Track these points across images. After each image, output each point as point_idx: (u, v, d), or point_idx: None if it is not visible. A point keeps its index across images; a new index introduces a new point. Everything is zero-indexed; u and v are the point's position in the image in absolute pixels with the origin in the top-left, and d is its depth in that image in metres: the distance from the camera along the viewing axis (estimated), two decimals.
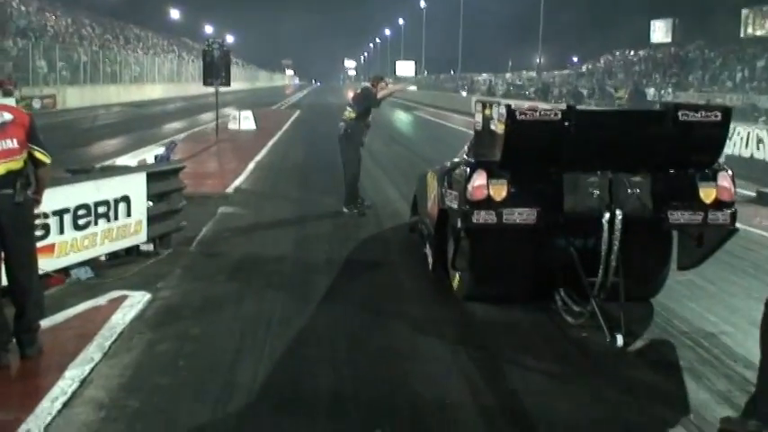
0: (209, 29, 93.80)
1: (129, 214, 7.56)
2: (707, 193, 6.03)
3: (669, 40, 68.32)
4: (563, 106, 6.04)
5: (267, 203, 11.85)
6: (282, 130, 27.58)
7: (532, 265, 6.49)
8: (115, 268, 7.44)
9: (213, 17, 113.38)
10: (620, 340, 5.71)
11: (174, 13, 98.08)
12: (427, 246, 8.03)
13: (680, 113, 5.82)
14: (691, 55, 61.62)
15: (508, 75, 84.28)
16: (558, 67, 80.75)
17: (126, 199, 7.51)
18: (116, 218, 7.40)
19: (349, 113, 10.84)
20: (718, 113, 5.88)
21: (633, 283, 6.16)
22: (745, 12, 57.28)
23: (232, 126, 26.15)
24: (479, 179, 5.93)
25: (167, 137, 22.90)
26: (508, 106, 5.83)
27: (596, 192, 5.88)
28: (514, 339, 5.95)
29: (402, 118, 41.60)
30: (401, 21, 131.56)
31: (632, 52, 72.89)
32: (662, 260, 6.70)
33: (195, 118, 32.21)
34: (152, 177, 7.95)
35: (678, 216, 6.00)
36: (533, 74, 74.71)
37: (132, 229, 7.65)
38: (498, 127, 5.88)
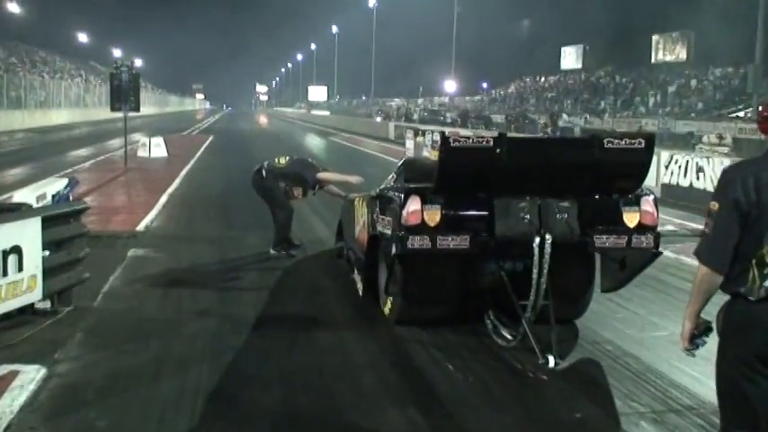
0: (117, 52, 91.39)
1: (20, 268, 6.35)
2: (630, 218, 6.23)
3: (579, 66, 69.61)
4: (495, 134, 6.19)
5: (183, 244, 10.63)
6: (195, 157, 26.36)
7: (463, 288, 6.65)
8: (4, 332, 6.24)
9: (122, 41, 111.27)
10: (551, 361, 5.84)
11: (82, 37, 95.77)
12: (355, 271, 8.13)
13: (605, 140, 5.99)
14: (602, 80, 62.84)
15: (420, 100, 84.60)
16: (468, 93, 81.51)
17: (17, 250, 6.30)
18: (4, 273, 6.20)
19: (280, 161, 10.06)
20: (642, 140, 6.07)
21: (561, 305, 6.34)
22: (655, 37, 58.74)
23: (142, 153, 24.91)
24: (414, 205, 6.01)
25: (73, 165, 21.62)
26: (443, 133, 5.99)
27: (527, 217, 6.00)
28: (447, 362, 6.01)
29: (317, 143, 40.80)
30: (313, 46, 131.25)
31: (543, 78, 74.03)
32: (586, 282, 6.91)
33: (103, 144, 30.68)
34: (49, 222, 6.76)
35: (604, 240, 6.18)
36: (446, 99, 75.14)
37: (25, 286, 6.44)
38: (432, 154, 5.63)
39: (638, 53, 59.57)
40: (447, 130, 7.04)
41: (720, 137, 25.42)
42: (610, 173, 6.18)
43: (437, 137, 6.06)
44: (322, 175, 9.83)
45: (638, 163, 6.24)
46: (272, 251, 9.77)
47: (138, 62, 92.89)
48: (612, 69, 63.16)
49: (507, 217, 6.02)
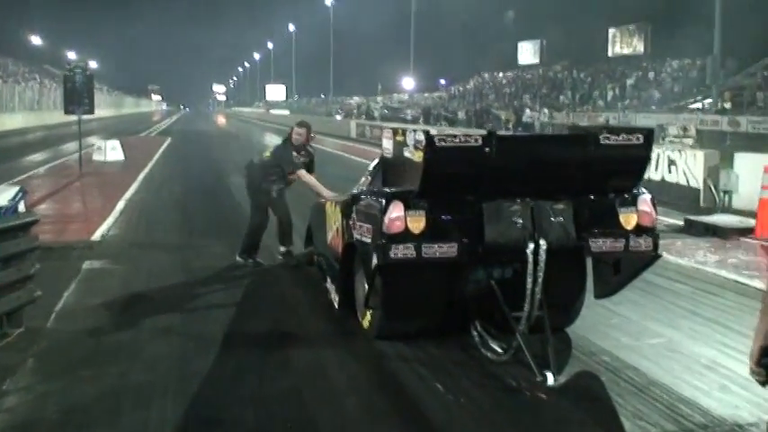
0: (72, 55, 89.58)
1: None
2: (627, 219, 5.88)
3: (537, 61, 69.55)
4: (483, 132, 5.82)
5: (142, 254, 9.99)
6: (153, 160, 25.61)
7: (448, 299, 6.23)
8: None
9: (76, 43, 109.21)
10: (550, 379, 5.34)
11: (36, 39, 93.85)
12: (328, 280, 7.66)
13: (601, 137, 5.67)
14: (559, 75, 62.82)
15: (379, 98, 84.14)
16: (427, 90, 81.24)
17: None
18: None
19: (266, 153, 9.50)
20: (640, 136, 5.74)
21: (553, 313, 5.97)
22: (612, 30, 58.78)
23: (97, 157, 24.10)
24: (396, 211, 5.58)
25: (26, 170, 20.80)
26: (427, 132, 5.51)
27: (519, 221, 5.61)
28: (434, 381, 5.50)
29: (276, 142, 39.97)
30: (270, 45, 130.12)
31: (501, 74, 73.90)
32: (579, 288, 6.54)
33: (58, 149, 29.72)
34: None
35: (600, 244, 5.82)
36: (405, 96, 74.78)
37: None
38: (415, 155, 5.60)
39: (596, 47, 59.60)
40: (430, 129, 6.66)
41: (685, 129, 25.26)
42: (606, 171, 5.85)
43: (420, 136, 5.68)
44: (301, 173, 9.07)
45: (636, 160, 5.93)
46: (238, 258, 9.22)
47: (93, 64, 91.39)
48: (570, 63, 63.14)
49: (498, 222, 5.62)
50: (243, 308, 7.41)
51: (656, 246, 5.96)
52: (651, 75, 50.98)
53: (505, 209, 5.62)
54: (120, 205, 14.22)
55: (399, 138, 5.90)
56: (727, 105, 37.65)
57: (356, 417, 4.97)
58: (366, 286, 6.23)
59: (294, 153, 9.10)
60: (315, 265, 8.67)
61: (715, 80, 37.06)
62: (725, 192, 14.01)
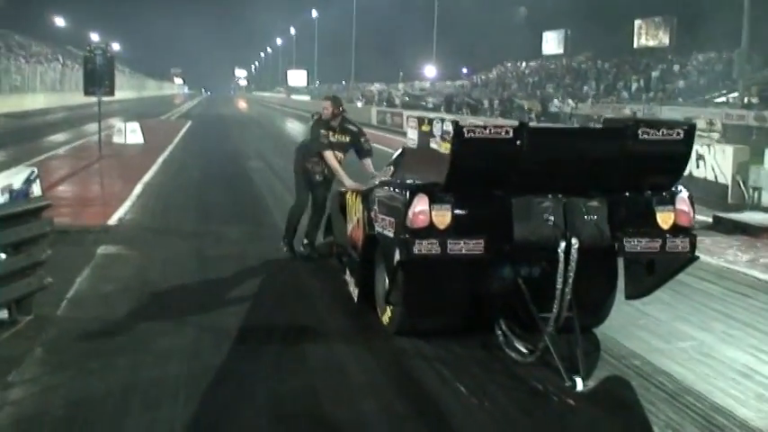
0: (95, 37, 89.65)
1: None
2: (664, 218, 5.62)
3: (561, 51, 68.97)
4: (514, 123, 5.45)
5: (158, 240, 9.81)
6: (173, 143, 25.45)
7: (472, 296, 5.99)
8: None
9: (100, 25, 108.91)
10: (579, 384, 5.10)
11: (59, 21, 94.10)
12: (348, 273, 7.44)
13: (640, 131, 5.38)
14: (583, 66, 62.25)
15: (401, 85, 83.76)
16: (449, 78, 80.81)
17: None
18: None
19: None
20: (681, 131, 5.47)
21: (582, 314, 5.70)
22: (638, 22, 58.23)
23: (117, 139, 23.98)
24: (421, 204, 5.34)
25: (46, 151, 20.71)
26: (456, 122, 5.24)
27: (550, 218, 5.35)
28: (454, 379, 5.29)
29: (297, 128, 39.86)
30: (293, 30, 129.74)
31: (524, 63, 73.33)
32: (609, 287, 6.28)
33: (79, 129, 29.63)
34: (4, 222, 5.97)
35: (635, 244, 5.54)
36: (427, 84, 74.39)
37: None
38: (442, 146, 5.37)
39: (621, 38, 59.02)
40: (453, 117, 6.41)
41: (711, 123, 24.85)
42: (644, 167, 5.56)
43: (448, 126, 5.44)
44: (326, 154, 8.40)
45: (676, 156, 5.62)
46: (281, 244, 8.90)
47: (116, 46, 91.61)
48: (594, 54, 62.57)
49: (528, 218, 5.35)
50: (259, 299, 7.19)
51: (693, 247, 5.69)
52: (676, 67, 50.39)
53: (536, 205, 5.36)
54: (138, 189, 14.06)
55: (425, 128, 5.66)
56: (754, 100, 37.13)
57: (374, 420, 4.72)
58: (387, 282, 6.02)
59: (322, 131, 8.44)
60: (334, 257, 8.44)
61: (742, 74, 36.56)
62: (754, 188, 13.68)
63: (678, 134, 5.44)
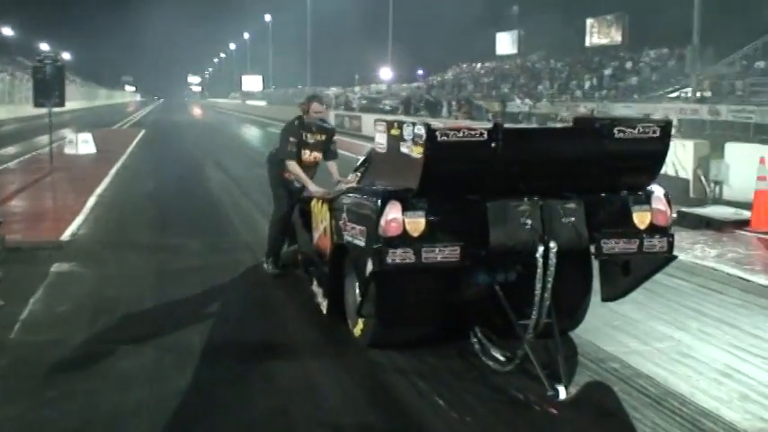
0: (44, 46, 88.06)
1: None
2: (641, 218, 5.50)
3: (515, 51, 69.35)
4: (488, 124, 5.33)
5: (114, 255, 9.40)
6: (127, 153, 24.91)
7: (446, 304, 5.77)
8: None
9: (49, 35, 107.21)
10: (562, 393, 4.92)
11: (7, 30, 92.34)
12: (315, 283, 7.13)
13: (615, 130, 5.25)
14: (537, 65, 62.63)
15: (357, 88, 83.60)
16: (405, 80, 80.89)
17: None
18: None
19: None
20: (657, 128, 5.33)
21: (559, 318, 5.56)
22: (590, 21, 58.67)
23: (69, 150, 23.41)
24: (393, 212, 5.14)
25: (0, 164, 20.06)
26: (427, 125, 5.02)
27: (528, 222, 5.15)
28: (432, 392, 5.09)
29: (256, 135, 39.58)
30: (246, 35, 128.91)
31: (479, 64, 73.62)
32: (585, 290, 6.13)
33: (30, 142, 28.80)
34: None
35: (612, 245, 5.41)
36: (383, 87, 74.30)
37: None
38: (414, 150, 5.09)
39: (573, 37, 59.50)
40: (432, 121, 6.18)
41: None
42: (620, 166, 5.44)
43: (420, 130, 5.22)
44: (289, 164, 7.81)
45: (653, 154, 5.50)
46: (264, 265, 8.27)
47: (66, 55, 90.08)
48: (547, 54, 63.01)
49: (504, 222, 5.15)
50: (223, 315, 6.90)
51: (671, 246, 5.55)
52: (629, 64, 50.86)
53: (512, 209, 5.17)
54: (92, 201, 13.59)
55: (395, 131, 5.41)
56: (707, 94, 37.57)
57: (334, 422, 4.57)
58: (358, 292, 5.80)
59: (292, 138, 7.81)
60: (300, 266, 8.11)
61: (694, 69, 36.97)
62: (715, 182, 13.72)
63: (654, 132, 5.30)
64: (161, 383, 5.22)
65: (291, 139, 7.81)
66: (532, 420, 4.76)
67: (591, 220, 5.33)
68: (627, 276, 6.01)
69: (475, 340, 5.82)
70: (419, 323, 5.84)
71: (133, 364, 5.57)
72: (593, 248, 5.46)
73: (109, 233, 11.00)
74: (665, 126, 5.40)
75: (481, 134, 4.98)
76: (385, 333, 5.77)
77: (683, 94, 40.84)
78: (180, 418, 4.68)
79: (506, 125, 5.53)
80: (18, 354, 5.82)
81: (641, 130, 5.28)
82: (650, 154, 5.49)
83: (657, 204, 5.55)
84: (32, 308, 6.99)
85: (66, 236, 10.31)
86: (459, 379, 5.32)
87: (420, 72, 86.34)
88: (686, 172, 14.16)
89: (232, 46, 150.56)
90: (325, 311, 6.60)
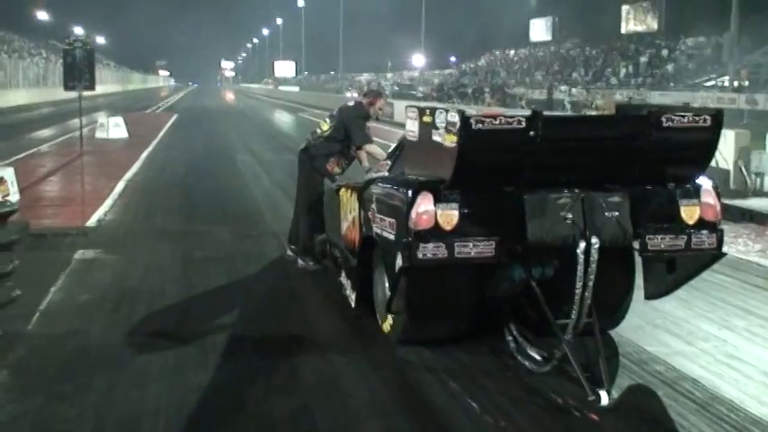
0: (79, 30, 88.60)
1: None
2: (689, 213, 5.22)
3: (549, 38, 68.62)
4: (527, 112, 5.00)
5: (140, 242, 9.24)
6: (158, 138, 24.87)
7: (480, 300, 5.54)
8: None
9: (84, 19, 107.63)
10: (605, 398, 4.65)
11: (42, 15, 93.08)
12: (343, 275, 6.90)
13: (664, 118, 4.99)
14: (572, 52, 61.89)
15: (389, 75, 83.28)
16: (438, 67, 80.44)
17: None
18: None
19: (323, 127, 7.92)
20: (707, 117, 5.05)
21: (599, 316, 5.29)
22: (625, 8, 57.87)
23: (100, 134, 23.45)
24: (425, 204, 4.91)
25: (27, 148, 20.08)
26: (462, 112, 4.78)
27: (568, 216, 4.87)
28: (465, 394, 4.84)
29: (287, 121, 39.43)
30: (279, 20, 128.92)
31: (513, 51, 72.93)
32: (627, 288, 5.85)
33: (63, 125, 28.77)
34: None
35: (658, 241, 5.14)
36: (415, 73, 73.94)
37: None
38: (447, 138, 4.84)
39: (608, 24, 58.74)
40: (467, 108, 5.89)
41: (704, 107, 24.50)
42: (667, 158, 5.16)
43: (453, 117, 4.98)
44: (371, 147, 7.69)
45: (703, 145, 5.23)
46: (299, 261, 7.94)
47: (101, 40, 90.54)
48: (582, 41, 62.27)
49: (543, 216, 4.88)
50: (247, 307, 6.69)
51: (720, 243, 5.28)
52: (665, 52, 50.06)
53: (552, 201, 4.90)
54: (120, 186, 13.53)
55: (426, 118, 5.15)
56: (744, 83, 36.87)
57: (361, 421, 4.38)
58: (387, 287, 5.55)
59: (366, 123, 7.77)
60: (328, 257, 7.86)
61: (731, 58, 36.26)
62: (756, 174, 13.29)
63: (705, 121, 5.03)
64: (180, 379, 5.02)
65: (367, 124, 7.80)
66: (572, 427, 4.50)
67: (636, 214, 5.04)
68: (672, 274, 5.72)
69: (510, 338, 5.59)
70: (451, 320, 5.59)
71: (153, 359, 5.39)
72: (637, 245, 5.19)
73: (136, 219, 10.86)
74: (717, 115, 5.08)
75: (519, 122, 4.73)
76: (415, 329, 5.54)
77: (719, 83, 40.17)
78: (197, 418, 4.47)
79: (546, 113, 5.27)
80: (34, 345, 5.64)
81: (691, 119, 4.99)
82: (700, 144, 5.21)
83: (707, 198, 5.27)
84: (53, 297, 6.82)
85: (91, 222, 10.19)
86: (493, 380, 5.08)
87: (453, 59, 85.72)
88: (726, 163, 13.70)
89: (265, 32, 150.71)
90: (353, 304, 6.38)
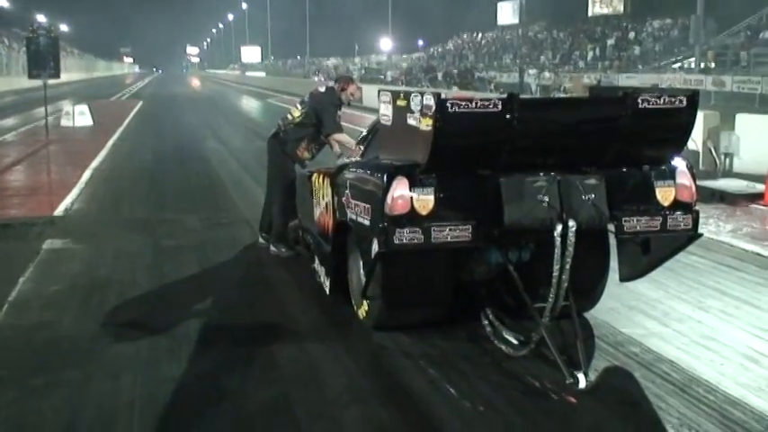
0: (41, 18, 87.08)
1: None
2: (665, 194, 5.22)
3: (516, 21, 68.77)
4: (503, 95, 4.92)
5: (108, 231, 9.08)
6: (124, 125, 24.62)
7: (456, 285, 5.54)
8: None
9: (46, 5, 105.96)
10: (582, 381, 4.65)
11: (2, 2, 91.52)
12: (317, 261, 6.85)
13: (640, 99, 4.93)
14: (539, 35, 62.08)
15: (357, 59, 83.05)
16: (405, 51, 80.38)
17: None
18: None
19: (293, 113, 7.79)
20: (683, 98, 5.00)
21: (576, 299, 5.26)
22: None
23: (65, 123, 23.14)
24: (400, 188, 4.84)
25: None
26: (437, 95, 4.69)
27: (545, 199, 4.84)
28: (446, 382, 4.77)
29: (255, 107, 39.13)
30: (244, 5, 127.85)
31: (480, 35, 72.98)
32: (601, 269, 5.85)
33: (26, 114, 28.41)
34: None
35: (634, 223, 5.13)
36: (383, 58, 73.80)
37: None
38: (422, 122, 4.74)
39: (575, 7, 58.99)
40: (442, 91, 5.79)
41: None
42: (643, 139, 5.12)
43: (428, 100, 4.92)
44: (340, 136, 7.59)
45: (678, 126, 5.16)
46: (271, 248, 7.88)
47: (64, 27, 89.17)
48: (549, 24, 62.50)
49: (519, 200, 4.84)
50: (221, 295, 6.59)
51: (695, 224, 5.28)
52: (632, 35, 50.40)
53: (528, 185, 4.85)
54: (87, 175, 13.33)
55: (401, 102, 5.07)
56: (711, 65, 37.21)
57: (336, 410, 4.36)
58: (362, 273, 5.50)
59: (338, 112, 7.68)
60: (300, 243, 7.80)
61: (698, 40, 36.56)
62: (725, 155, 13.37)
63: (681, 102, 4.98)
64: (155, 370, 4.92)
65: (339, 112, 7.69)
66: (550, 410, 4.46)
67: (612, 196, 5.02)
68: (647, 255, 5.72)
69: (486, 323, 5.56)
70: (427, 305, 5.56)
71: (126, 349, 5.29)
72: (613, 227, 5.18)
73: (104, 208, 10.70)
74: (693, 96, 5.04)
75: (495, 105, 4.68)
76: (391, 315, 5.49)
77: (686, 65, 40.52)
78: (173, 410, 4.38)
79: (522, 96, 5.19)
80: (5, 338, 5.53)
81: (667, 100, 4.96)
82: (676, 126, 5.15)
83: (682, 179, 5.26)
84: (22, 288, 6.70)
85: (59, 211, 10.01)
86: (471, 364, 5.04)
87: (420, 42, 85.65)
88: (696, 144, 13.76)
89: (230, 17, 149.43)
90: (327, 291, 6.31)
